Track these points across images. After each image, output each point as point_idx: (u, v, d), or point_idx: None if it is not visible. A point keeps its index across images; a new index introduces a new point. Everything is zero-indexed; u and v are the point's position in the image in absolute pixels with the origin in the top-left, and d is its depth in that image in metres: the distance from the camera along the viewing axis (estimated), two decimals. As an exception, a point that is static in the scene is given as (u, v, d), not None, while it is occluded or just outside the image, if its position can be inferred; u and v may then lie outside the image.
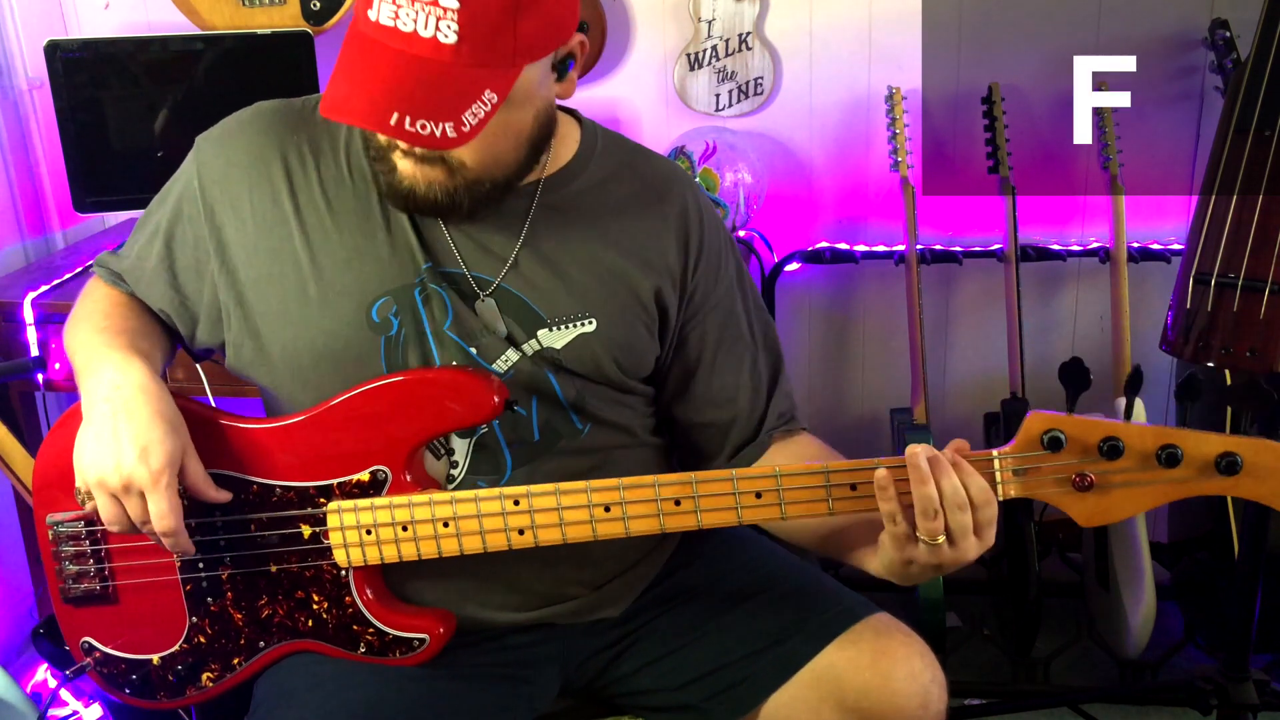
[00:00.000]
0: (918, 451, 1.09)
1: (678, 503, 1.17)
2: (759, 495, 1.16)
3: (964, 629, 2.46)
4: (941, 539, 1.09)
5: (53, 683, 2.16)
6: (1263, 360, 1.71)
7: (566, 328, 1.27)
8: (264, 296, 1.26)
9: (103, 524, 1.21)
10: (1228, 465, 1.08)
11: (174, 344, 1.36)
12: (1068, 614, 2.44)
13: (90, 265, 1.44)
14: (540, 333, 1.27)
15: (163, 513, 1.16)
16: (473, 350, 1.25)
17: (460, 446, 1.26)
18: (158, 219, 1.33)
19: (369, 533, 1.22)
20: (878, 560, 1.17)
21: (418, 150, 1.16)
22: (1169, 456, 1.08)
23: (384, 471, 1.22)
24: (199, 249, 1.29)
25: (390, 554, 1.22)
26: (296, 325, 1.25)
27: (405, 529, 1.21)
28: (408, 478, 1.22)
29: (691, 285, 1.33)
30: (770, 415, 1.37)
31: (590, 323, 1.27)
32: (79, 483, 1.20)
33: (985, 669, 2.38)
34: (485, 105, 1.10)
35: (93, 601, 1.30)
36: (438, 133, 1.09)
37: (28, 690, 1.83)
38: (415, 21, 1.08)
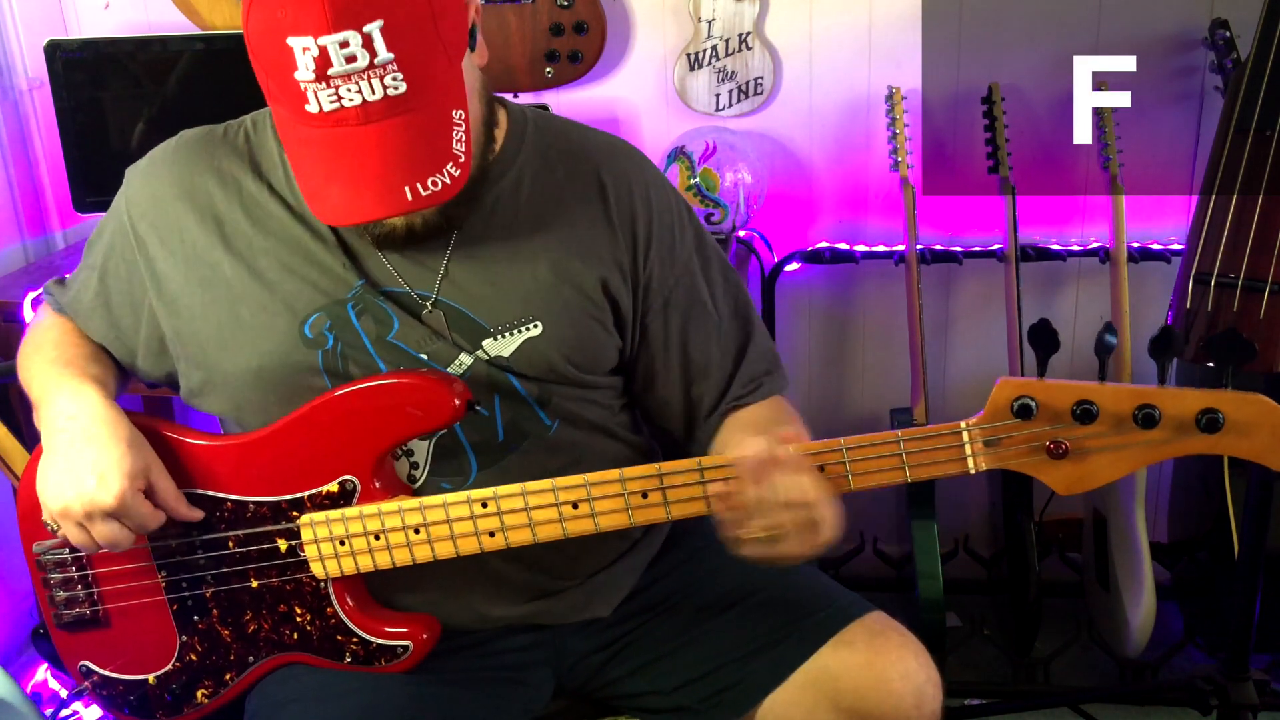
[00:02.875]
0: (746, 457, 1.09)
1: (645, 495, 1.16)
2: (726, 482, 1.14)
3: (964, 629, 2.46)
4: (767, 535, 1.10)
5: (53, 684, 2.16)
6: (1263, 360, 1.71)
7: (511, 335, 1.24)
8: (202, 326, 1.26)
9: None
10: (1209, 422, 1.04)
11: (125, 375, 1.37)
12: (1068, 614, 2.43)
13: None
14: (485, 342, 1.24)
15: (140, 525, 1.17)
16: (423, 356, 1.23)
17: (420, 448, 1.25)
18: (95, 253, 1.34)
19: (343, 543, 1.21)
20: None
21: None
22: (1146, 417, 1.04)
23: (352, 481, 1.21)
24: (133, 282, 1.30)
25: (365, 563, 1.22)
26: (233, 349, 1.25)
27: (378, 538, 1.20)
28: (376, 485, 1.21)
29: (645, 274, 1.29)
30: (735, 385, 1.34)
31: (535, 326, 1.24)
32: (45, 515, 1.20)
33: (985, 669, 2.38)
34: (459, 124, 1.09)
35: (85, 626, 1.31)
36: (446, 180, 1.08)
37: (28, 690, 1.82)
38: (360, 92, 1.05)
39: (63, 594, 1.30)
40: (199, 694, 1.30)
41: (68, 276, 1.41)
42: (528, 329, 1.24)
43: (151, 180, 1.29)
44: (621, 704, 1.37)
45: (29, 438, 2.17)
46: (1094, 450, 1.07)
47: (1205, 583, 2.27)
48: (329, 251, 1.24)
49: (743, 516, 1.11)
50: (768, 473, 1.08)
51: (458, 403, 1.17)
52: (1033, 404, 1.06)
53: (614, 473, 1.16)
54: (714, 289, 1.35)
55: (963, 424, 1.10)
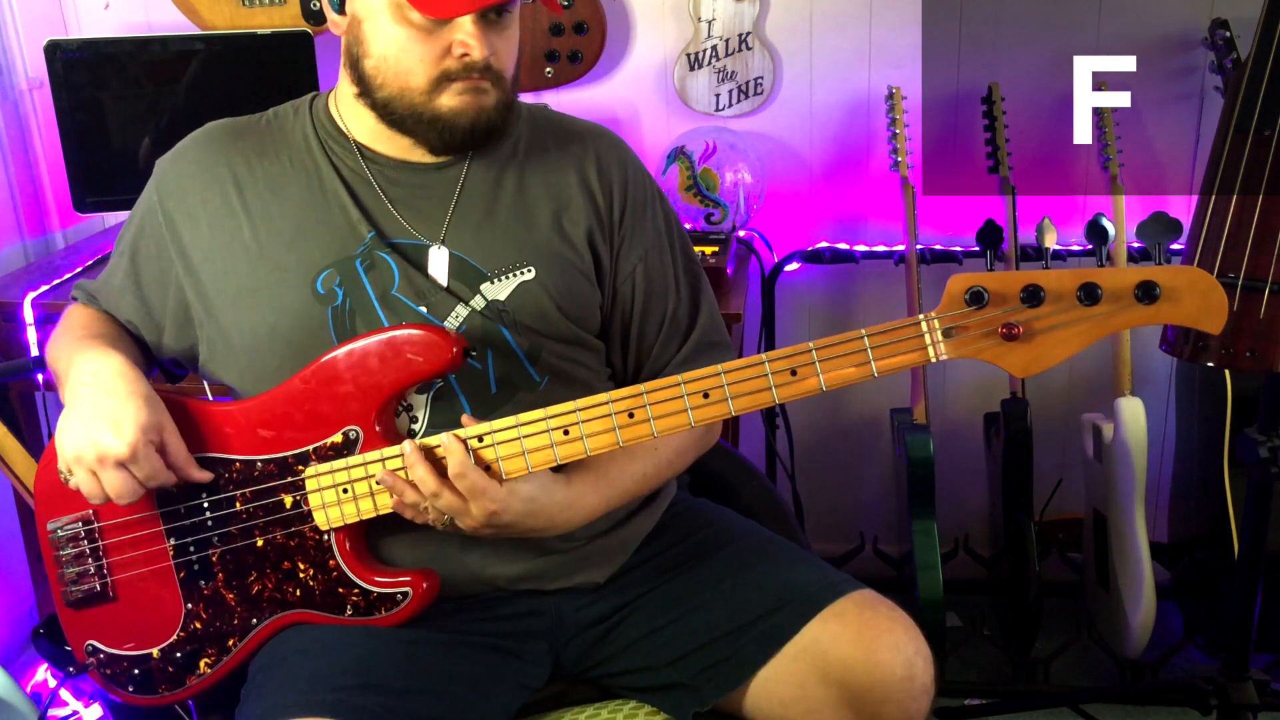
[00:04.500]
0: (406, 450, 1.21)
1: (631, 415, 1.21)
2: (706, 395, 1.20)
3: (964, 629, 2.46)
4: (433, 515, 1.23)
5: (53, 683, 2.16)
6: (1262, 360, 1.71)
7: (507, 278, 1.34)
8: (222, 289, 1.35)
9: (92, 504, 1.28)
10: (1145, 293, 1.11)
11: (148, 360, 1.44)
12: (1068, 614, 2.44)
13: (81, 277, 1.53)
14: (483, 287, 1.33)
15: (150, 475, 1.23)
16: (422, 309, 1.32)
17: (419, 402, 1.31)
18: (125, 239, 1.46)
19: (345, 490, 1.26)
20: None
21: (481, 70, 1.26)
22: (1089, 294, 1.12)
23: (355, 430, 1.26)
24: (162, 259, 1.39)
25: (366, 508, 1.26)
26: (249, 308, 1.33)
27: (379, 481, 1.25)
28: (378, 430, 1.26)
29: (620, 237, 1.40)
30: (673, 365, 1.42)
31: (529, 270, 1.34)
32: (60, 464, 1.26)
33: (985, 669, 2.38)
34: None
35: (94, 602, 1.34)
36: None
37: (28, 690, 1.83)
38: None
39: (74, 570, 1.34)
40: (202, 663, 1.32)
41: (97, 277, 1.49)
42: (522, 273, 1.34)
43: (179, 163, 1.40)
44: (617, 684, 1.39)
45: (29, 437, 2.18)
46: (1044, 330, 1.14)
47: (1205, 583, 2.27)
48: (343, 211, 1.34)
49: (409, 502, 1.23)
50: (411, 467, 1.21)
51: (455, 349, 1.24)
52: (984, 292, 1.14)
53: (602, 396, 1.22)
54: (676, 268, 1.44)
55: (921, 315, 1.17)
